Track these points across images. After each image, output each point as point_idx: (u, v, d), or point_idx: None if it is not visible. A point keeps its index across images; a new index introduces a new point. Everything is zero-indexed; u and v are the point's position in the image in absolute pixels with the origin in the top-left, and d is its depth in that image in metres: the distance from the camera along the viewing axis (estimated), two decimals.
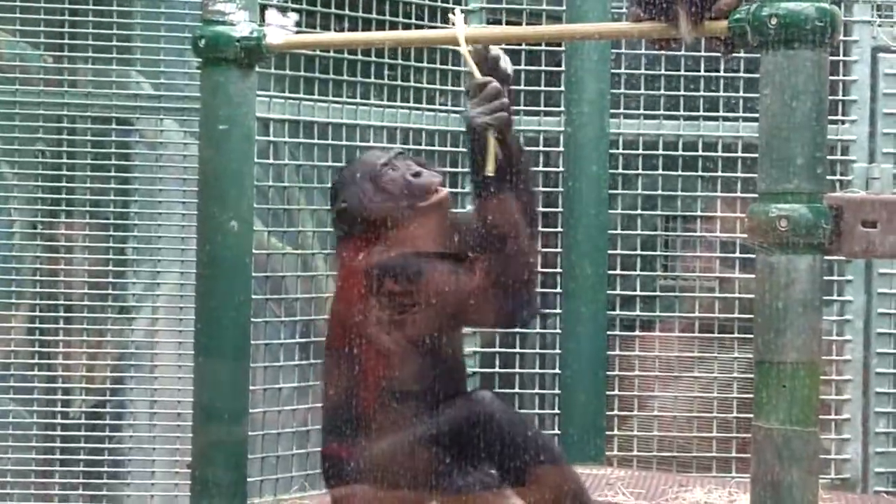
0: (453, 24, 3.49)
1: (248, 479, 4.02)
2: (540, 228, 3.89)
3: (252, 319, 4.08)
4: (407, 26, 4.91)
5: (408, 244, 3.59)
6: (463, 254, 3.51)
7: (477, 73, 3.51)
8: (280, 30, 3.88)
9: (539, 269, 3.89)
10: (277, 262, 4.93)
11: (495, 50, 3.53)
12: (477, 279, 3.44)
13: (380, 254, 3.59)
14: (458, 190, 4.86)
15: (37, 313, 5.52)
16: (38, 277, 5.55)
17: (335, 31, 4.81)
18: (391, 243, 3.61)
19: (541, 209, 4.23)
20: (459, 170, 4.97)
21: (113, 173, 5.58)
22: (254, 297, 4.17)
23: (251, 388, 4.17)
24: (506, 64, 3.55)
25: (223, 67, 3.86)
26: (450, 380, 3.62)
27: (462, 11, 3.56)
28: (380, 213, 3.64)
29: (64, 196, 5.57)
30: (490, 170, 3.45)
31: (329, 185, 4.71)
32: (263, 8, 4.17)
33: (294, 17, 4.03)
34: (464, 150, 4.00)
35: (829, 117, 3.35)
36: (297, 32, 4.05)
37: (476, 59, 3.51)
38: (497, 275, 3.43)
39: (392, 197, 3.66)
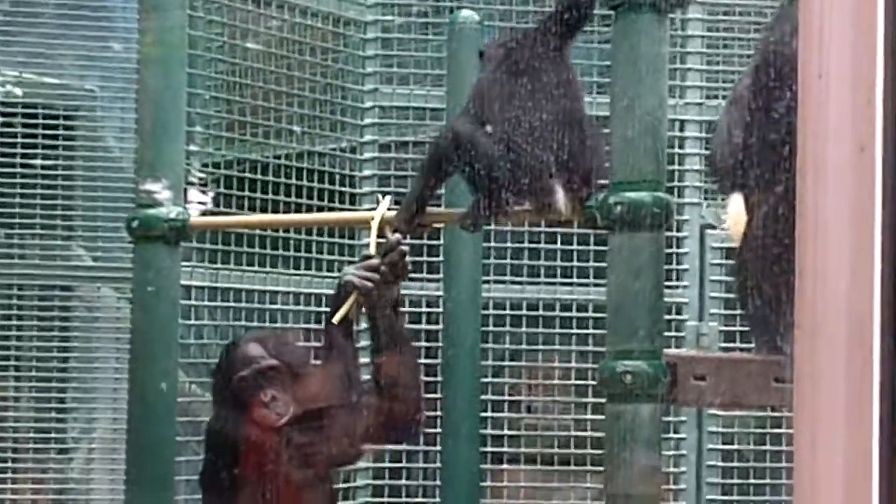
0: (377, 204, 3.46)
1: None
2: (420, 378, 3.87)
3: (176, 458, 4.03)
4: (310, 207, 4.91)
5: (252, 433, 3.64)
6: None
7: (372, 250, 3.48)
8: (199, 205, 3.88)
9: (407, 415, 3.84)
10: (198, 408, 4.88)
11: (405, 247, 3.47)
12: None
13: (232, 429, 3.68)
14: None
15: None
16: None
17: (248, 210, 4.80)
18: (240, 426, 3.67)
19: (420, 361, 4.19)
20: None
21: (56, 333, 5.53)
22: (177, 438, 4.12)
23: None
24: (406, 261, 3.48)
25: (153, 244, 3.83)
26: None
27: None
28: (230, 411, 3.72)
29: (12, 353, 5.50)
30: (336, 319, 3.47)
31: None
32: (186, 189, 4.17)
33: (211, 194, 4.03)
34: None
35: (665, 283, 3.39)
36: (216, 211, 4.04)
37: (386, 246, 3.49)
38: (314, 434, 3.52)
39: (241, 407, 3.67)
